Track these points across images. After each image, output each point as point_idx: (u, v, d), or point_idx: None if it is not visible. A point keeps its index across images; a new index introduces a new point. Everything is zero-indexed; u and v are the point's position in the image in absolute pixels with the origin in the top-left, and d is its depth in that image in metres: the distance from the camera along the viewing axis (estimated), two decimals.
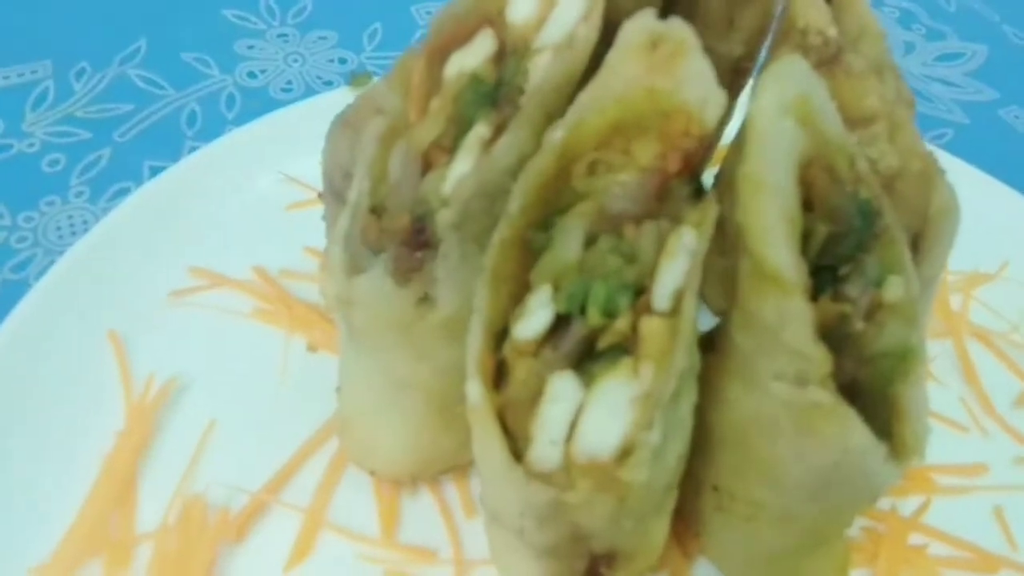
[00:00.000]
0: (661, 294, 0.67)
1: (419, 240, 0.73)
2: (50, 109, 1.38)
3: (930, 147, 1.44)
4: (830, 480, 0.78)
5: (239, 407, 1.04)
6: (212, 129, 1.37)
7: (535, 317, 0.70)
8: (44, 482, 0.95)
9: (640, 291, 0.68)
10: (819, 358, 0.71)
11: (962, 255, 1.29)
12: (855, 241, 0.75)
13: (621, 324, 0.67)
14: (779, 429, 0.77)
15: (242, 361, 1.08)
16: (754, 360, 0.76)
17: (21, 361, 1.00)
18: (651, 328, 0.67)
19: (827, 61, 0.74)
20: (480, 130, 0.71)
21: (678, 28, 0.66)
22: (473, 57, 0.74)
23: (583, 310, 0.69)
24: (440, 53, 0.77)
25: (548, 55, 0.70)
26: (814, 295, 0.76)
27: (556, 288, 0.70)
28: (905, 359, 0.77)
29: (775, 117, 0.68)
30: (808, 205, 0.75)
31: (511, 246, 0.72)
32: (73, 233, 1.22)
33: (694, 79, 0.66)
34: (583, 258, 0.69)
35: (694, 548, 0.97)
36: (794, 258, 0.70)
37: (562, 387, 0.69)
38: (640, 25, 0.66)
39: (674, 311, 0.67)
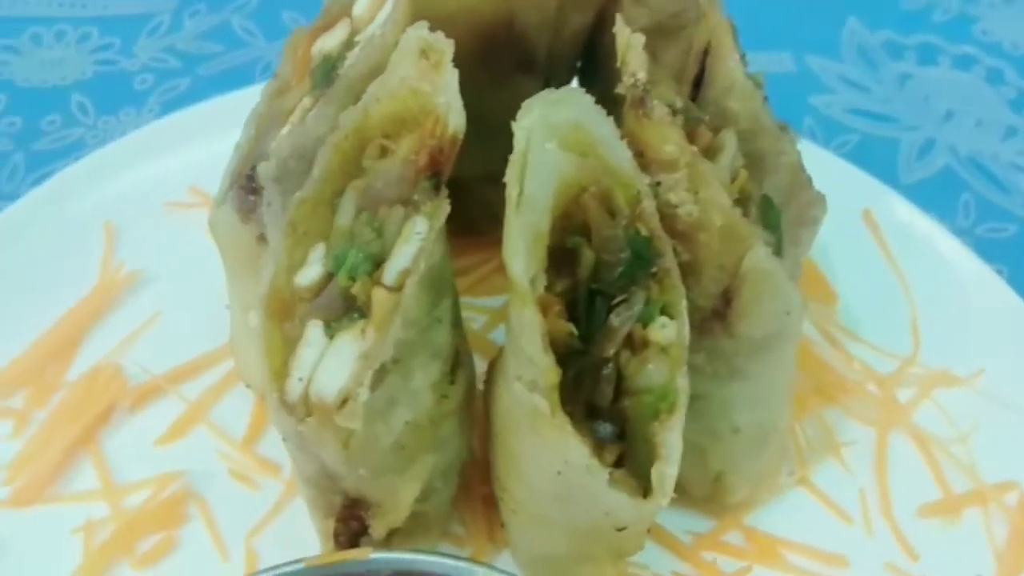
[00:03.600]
0: (391, 270, 0.75)
1: (251, 186, 0.86)
2: (161, 38, 1.64)
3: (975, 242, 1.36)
4: (560, 489, 0.82)
5: (185, 308, 1.21)
6: None
7: (310, 269, 0.80)
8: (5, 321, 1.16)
9: (380, 263, 0.76)
10: (545, 368, 0.76)
11: (939, 351, 1.24)
12: (626, 274, 0.79)
13: (356, 289, 0.76)
14: (521, 427, 0.82)
15: (204, 271, 1.25)
16: (508, 360, 0.82)
17: (29, 228, 1.23)
18: (378, 298, 0.75)
19: (635, 102, 0.78)
20: (306, 101, 0.83)
21: (443, 42, 0.74)
22: (331, 40, 0.86)
23: None
24: (321, 33, 0.89)
25: (359, 47, 0.81)
26: (588, 315, 0.81)
27: (329, 248, 0.80)
28: (665, 399, 0.80)
29: (537, 139, 0.74)
30: (585, 229, 0.80)
31: (316, 204, 0.82)
32: None
33: (444, 88, 0.73)
34: (352, 226, 0.78)
35: (500, 538, 1.03)
36: (530, 270, 0.75)
37: (313, 334, 0.79)
38: (415, 34, 0.75)
39: (399, 287, 0.75)
